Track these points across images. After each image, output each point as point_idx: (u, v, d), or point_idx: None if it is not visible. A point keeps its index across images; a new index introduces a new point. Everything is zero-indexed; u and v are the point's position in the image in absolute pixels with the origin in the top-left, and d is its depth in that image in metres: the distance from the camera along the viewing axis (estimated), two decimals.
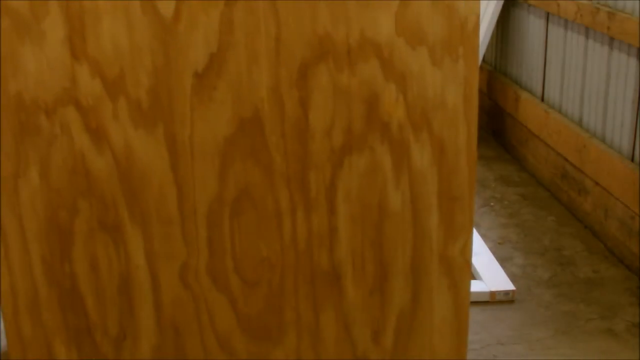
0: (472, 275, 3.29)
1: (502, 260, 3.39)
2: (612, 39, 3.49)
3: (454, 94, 1.98)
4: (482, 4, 4.80)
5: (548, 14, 4.19)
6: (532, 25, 4.45)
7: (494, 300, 3.08)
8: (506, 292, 3.10)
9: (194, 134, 1.92)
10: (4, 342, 3.12)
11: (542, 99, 4.31)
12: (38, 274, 1.99)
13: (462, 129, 2.01)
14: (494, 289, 3.10)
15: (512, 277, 3.24)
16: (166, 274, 2.03)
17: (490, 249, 3.46)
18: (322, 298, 2.12)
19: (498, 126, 4.98)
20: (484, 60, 5.22)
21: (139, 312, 2.04)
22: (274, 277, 2.06)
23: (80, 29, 1.82)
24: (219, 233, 2.00)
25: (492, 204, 4.05)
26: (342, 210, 2.04)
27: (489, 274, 3.22)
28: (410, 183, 2.04)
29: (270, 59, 1.90)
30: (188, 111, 1.90)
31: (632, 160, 3.34)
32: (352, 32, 1.91)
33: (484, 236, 3.61)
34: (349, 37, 1.91)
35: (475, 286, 3.12)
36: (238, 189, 1.97)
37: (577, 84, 3.86)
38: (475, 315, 2.97)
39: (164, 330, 2.07)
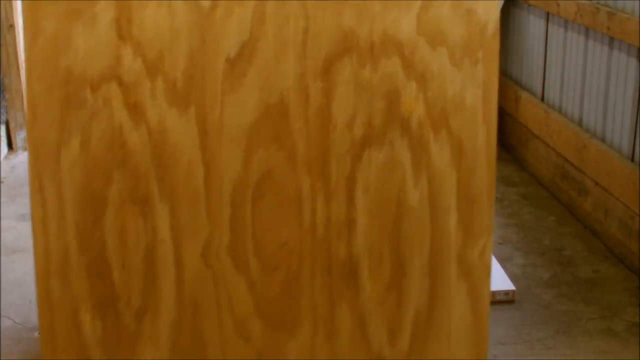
0: None
1: (502, 260, 3.39)
2: (612, 39, 3.49)
3: (473, 96, 2.03)
4: None
5: (548, 14, 4.19)
6: (532, 25, 4.45)
7: (494, 300, 3.08)
8: (506, 292, 3.10)
9: (223, 117, 2.01)
10: None
11: (542, 99, 4.31)
12: (71, 239, 2.05)
13: (480, 131, 2.06)
14: (494, 289, 3.10)
15: (512, 277, 3.24)
16: (189, 251, 2.07)
17: None
18: (338, 290, 2.11)
19: (498, 126, 4.97)
20: None
21: (161, 286, 2.08)
22: (292, 263, 2.08)
23: (127, 12, 2.00)
24: (242, 213, 2.05)
25: None
26: (360, 202, 2.05)
27: None
28: (429, 181, 2.06)
29: (297, 51, 2.02)
30: (219, 94, 2.02)
31: (632, 160, 3.34)
32: (376, 29, 2.01)
33: None
34: (372, 34, 2.01)
35: None
36: (261, 172, 2.03)
37: (577, 84, 3.86)
38: None
39: (183, 306, 2.09)
